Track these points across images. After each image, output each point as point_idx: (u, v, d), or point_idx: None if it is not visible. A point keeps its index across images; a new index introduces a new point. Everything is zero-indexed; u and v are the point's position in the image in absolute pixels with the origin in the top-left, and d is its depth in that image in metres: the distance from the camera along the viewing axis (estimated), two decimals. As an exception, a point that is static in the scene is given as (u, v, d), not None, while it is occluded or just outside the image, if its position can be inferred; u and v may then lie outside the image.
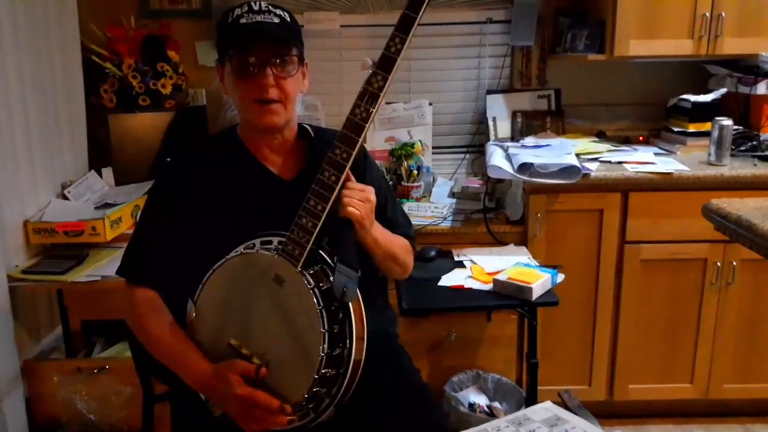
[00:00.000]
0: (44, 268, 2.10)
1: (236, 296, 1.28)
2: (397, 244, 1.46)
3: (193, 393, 1.29)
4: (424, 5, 1.19)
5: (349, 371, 1.22)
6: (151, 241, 1.39)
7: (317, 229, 1.23)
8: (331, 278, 1.21)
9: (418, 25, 1.20)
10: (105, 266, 2.09)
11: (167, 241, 1.37)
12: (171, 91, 2.54)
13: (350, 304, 1.22)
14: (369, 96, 1.22)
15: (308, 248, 1.22)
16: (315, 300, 1.19)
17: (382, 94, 1.22)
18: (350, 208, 1.26)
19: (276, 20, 1.34)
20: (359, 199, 1.27)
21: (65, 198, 2.34)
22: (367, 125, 1.23)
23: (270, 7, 1.35)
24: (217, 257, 1.28)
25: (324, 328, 1.19)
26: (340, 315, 1.22)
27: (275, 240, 1.27)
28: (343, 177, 1.24)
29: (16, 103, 2.10)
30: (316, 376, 1.18)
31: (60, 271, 2.06)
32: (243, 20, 1.32)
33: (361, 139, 1.23)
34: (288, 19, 1.37)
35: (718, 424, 2.46)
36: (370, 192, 1.31)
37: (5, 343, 2.02)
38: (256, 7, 1.34)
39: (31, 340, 2.25)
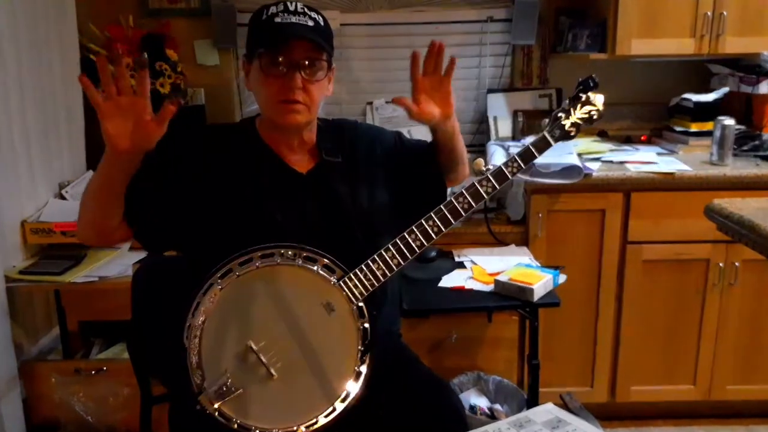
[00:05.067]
0: (42, 268, 2.09)
1: (267, 302, 1.27)
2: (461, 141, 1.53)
3: (192, 394, 1.28)
4: (546, 150, 1.38)
5: (347, 406, 1.28)
6: (143, 187, 1.31)
7: (386, 279, 1.30)
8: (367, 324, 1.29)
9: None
10: (103, 267, 2.09)
11: (162, 199, 1.32)
12: (170, 90, 2.53)
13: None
14: (475, 193, 1.34)
15: (370, 291, 1.29)
16: (358, 340, 1.28)
17: (487, 198, 1.36)
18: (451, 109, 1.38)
19: (310, 23, 1.33)
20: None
21: (63, 198, 2.33)
22: (464, 216, 1.34)
23: (305, 9, 1.35)
24: (231, 242, 1.27)
25: (357, 368, 1.27)
26: (365, 357, 1.29)
27: (276, 252, 1.26)
28: (426, 246, 1.32)
29: (14, 103, 2.09)
30: (333, 407, 1.26)
31: (57, 271, 2.05)
32: (278, 19, 1.32)
33: (454, 224, 1.35)
34: (322, 23, 1.36)
35: (720, 425, 2.45)
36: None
37: (2, 344, 2.01)
38: (291, 8, 1.33)
39: (28, 341, 2.24)
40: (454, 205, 1.34)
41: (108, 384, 2.11)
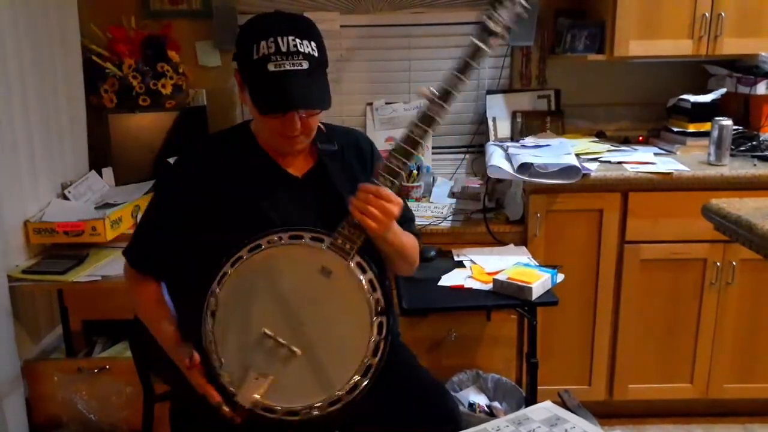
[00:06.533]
0: (44, 268, 2.10)
1: (267, 287, 1.28)
2: (408, 244, 1.45)
3: (194, 393, 1.29)
4: (479, 56, 1.33)
5: (371, 377, 1.26)
6: (160, 229, 1.41)
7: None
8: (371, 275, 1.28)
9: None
10: (105, 266, 2.10)
11: (176, 231, 1.38)
12: (171, 91, 2.55)
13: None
14: (425, 117, 1.27)
15: (359, 244, 1.27)
16: (365, 293, 1.26)
17: (439, 120, 1.27)
18: (368, 221, 1.25)
19: (305, 65, 1.25)
20: (380, 212, 1.25)
21: (65, 198, 2.34)
22: (422, 143, 1.29)
23: (298, 46, 1.25)
24: (231, 246, 1.28)
25: (373, 318, 1.26)
26: (379, 306, 1.28)
27: (285, 235, 1.28)
28: (397, 186, 1.29)
29: (17, 104, 2.10)
30: (359, 365, 1.25)
31: (60, 271, 2.06)
32: (271, 66, 1.24)
33: (416, 155, 1.32)
34: (315, 52, 1.28)
35: (717, 423, 2.46)
36: (397, 206, 1.29)
37: (6, 343, 2.02)
38: (284, 48, 1.24)
39: (31, 340, 2.25)
40: (410, 135, 1.28)
41: (111, 382, 2.12)
